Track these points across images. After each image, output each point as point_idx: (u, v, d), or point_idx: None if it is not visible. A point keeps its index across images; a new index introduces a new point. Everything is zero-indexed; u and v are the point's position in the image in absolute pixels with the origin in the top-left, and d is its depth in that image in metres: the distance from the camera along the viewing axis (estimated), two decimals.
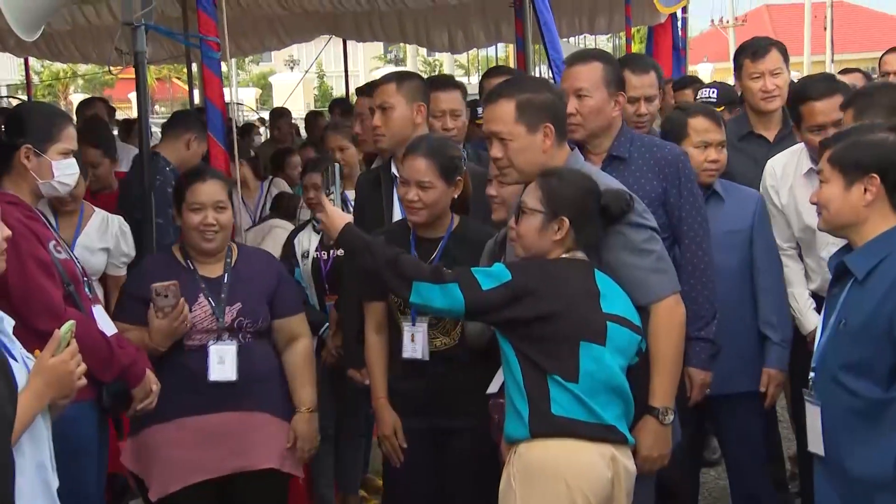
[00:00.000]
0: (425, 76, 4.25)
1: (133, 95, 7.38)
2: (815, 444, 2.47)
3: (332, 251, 3.88)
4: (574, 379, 2.46)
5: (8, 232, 2.17)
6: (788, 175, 3.50)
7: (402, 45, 22.23)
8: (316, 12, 8.72)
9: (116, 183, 4.30)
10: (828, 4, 30.01)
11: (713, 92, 4.64)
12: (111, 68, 5.39)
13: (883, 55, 5.02)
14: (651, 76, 3.64)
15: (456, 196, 3.06)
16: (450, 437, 3.01)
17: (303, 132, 9.07)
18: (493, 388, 2.78)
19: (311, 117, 8.48)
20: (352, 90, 9.19)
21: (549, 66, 5.52)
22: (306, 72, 17.42)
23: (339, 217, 2.74)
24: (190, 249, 3.12)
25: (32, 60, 12.22)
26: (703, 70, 24.72)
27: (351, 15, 8.76)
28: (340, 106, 7.41)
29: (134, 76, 3.88)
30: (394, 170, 3.39)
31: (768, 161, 3.58)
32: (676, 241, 3.07)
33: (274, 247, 4.27)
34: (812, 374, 2.50)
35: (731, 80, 4.69)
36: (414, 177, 2.99)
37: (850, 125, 2.80)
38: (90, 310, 2.85)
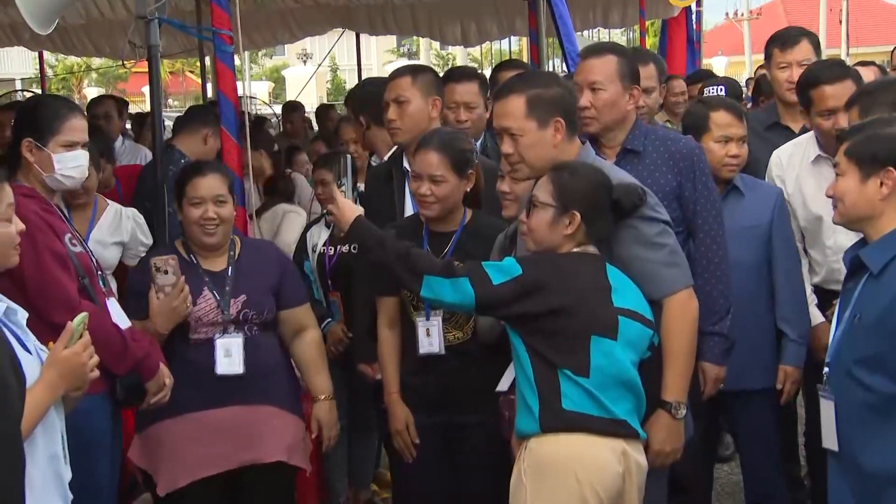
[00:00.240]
0: (438, 70, 4.24)
1: (146, 89, 7.39)
2: (829, 440, 2.45)
3: (338, 247, 3.88)
4: (585, 373, 2.46)
5: (22, 226, 2.18)
6: (795, 164, 3.49)
7: (415, 38, 22.24)
8: (328, 5, 8.72)
9: (114, 180, 4.32)
10: None
11: (721, 89, 4.63)
12: (125, 62, 5.41)
13: (895, 49, 5.00)
14: (650, 68, 3.62)
15: (468, 190, 3.06)
16: (462, 432, 3.00)
17: (316, 126, 9.06)
18: (502, 385, 2.78)
19: (323, 111, 8.47)
20: None
21: (563, 59, 5.51)
22: (319, 65, 17.44)
23: (351, 209, 2.73)
24: (192, 244, 3.12)
25: (46, 54, 12.27)
26: (718, 64, 24.56)
27: (364, 8, 8.76)
28: None
29: (147, 70, 3.89)
30: (405, 164, 3.38)
31: (774, 151, 3.57)
32: (691, 236, 3.06)
33: (291, 231, 4.29)
34: (826, 369, 2.48)
35: (745, 74, 4.69)
36: (426, 171, 2.99)
37: (855, 123, 2.78)
38: (104, 303, 2.86)
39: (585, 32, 9.77)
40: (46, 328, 2.32)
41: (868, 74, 4.15)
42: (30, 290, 2.62)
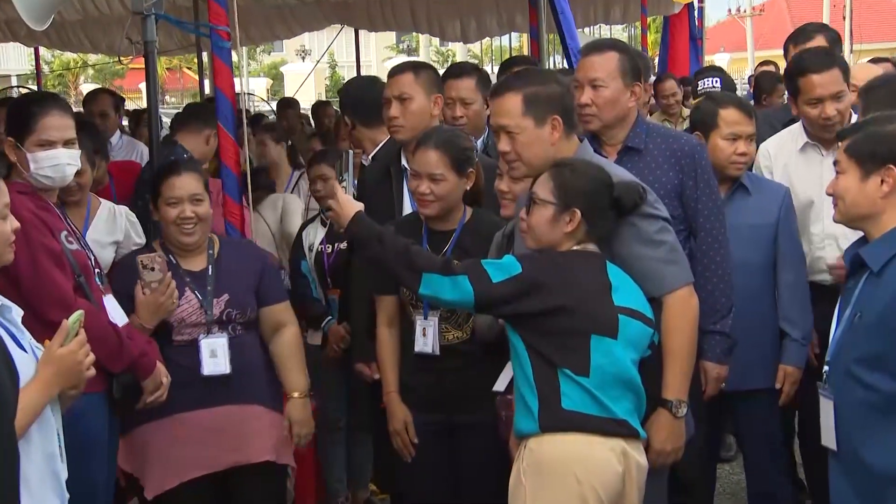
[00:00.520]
0: (437, 66, 4.23)
1: (143, 85, 7.36)
2: (828, 439, 2.44)
3: (336, 245, 3.87)
4: (585, 373, 2.44)
5: (17, 223, 2.16)
6: (782, 154, 3.51)
7: (414, 34, 22.21)
8: (327, 1, 8.70)
9: (108, 177, 4.31)
10: None
11: (717, 81, 4.61)
12: (121, 58, 5.37)
13: None
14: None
15: (468, 188, 3.04)
16: (461, 432, 2.99)
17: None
18: (499, 385, 2.76)
19: (319, 108, 8.43)
20: None
21: (564, 56, 5.49)
22: (318, 62, 17.36)
23: (351, 205, 2.71)
24: (170, 244, 3.11)
25: (43, 50, 12.24)
26: (720, 60, 24.51)
27: (363, 4, 8.73)
28: None
29: (144, 66, 3.87)
30: (404, 161, 3.37)
31: (762, 143, 3.57)
32: (692, 234, 3.04)
33: (295, 218, 4.30)
34: (826, 368, 2.47)
35: (748, 71, 4.72)
36: (425, 169, 2.97)
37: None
38: (101, 300, 2.85)
39: (587, 29, 9.76)
40: (42, 326, 2.31)
41: (878, 72, 4.15)
42: (24, 288, 2.61)
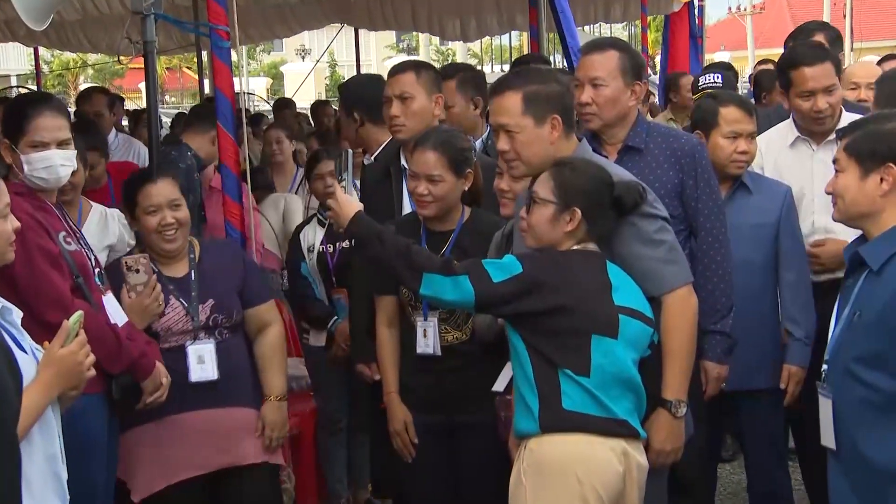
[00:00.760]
0: (438, 66, 4.21)
1: (143, 85, 7.35)
2: (828, 439, 2.44)
3: (338, 244, 3.86)
4: (585, 373, 2.44)
5: (17, 223, 2.16)
6: (773, 149, 3.51)
7: (414, 33, 22.18)
8: (327, 0, 8.70)
9: (106, 177, 4.30)
10: None
11: (717, 77, 4.58)
12: (121, 58, 5.37)
13: None
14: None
15: (467, 188, 3.04)
16: (461, 432, 2.99)
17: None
18: (498, 385, 2.76)
19: (318, 107, 8.43)
20: None
21: (564, 55, 5.49)
22: (317, 61, 17.36)
23: (350, 204, 2.70)
24: (151, 252, 3.08)
25: (42, 50, 12.25)
26: (720, 59, 24.47)
27: (363, 3, 8.73)
28: None
29: (144, 66, 3.87)
30: (403, 161, 3.36)
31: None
32: (693, 233, 3.04)
33: (297, 217, 4.32)
34: (825, 367, 2.47)
35: (748, 70, 4.71)
36: (423, 170, 2.96)
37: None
38: (100, 301, 2.84)
39: (587, 27, 9.76)
40: (39, 327, 2.30)
41: (879, 72, 4.16)
42: (21, 290, 2.60)
